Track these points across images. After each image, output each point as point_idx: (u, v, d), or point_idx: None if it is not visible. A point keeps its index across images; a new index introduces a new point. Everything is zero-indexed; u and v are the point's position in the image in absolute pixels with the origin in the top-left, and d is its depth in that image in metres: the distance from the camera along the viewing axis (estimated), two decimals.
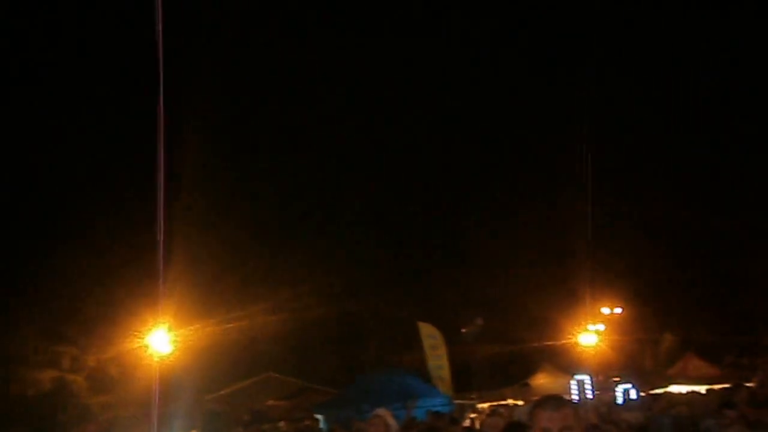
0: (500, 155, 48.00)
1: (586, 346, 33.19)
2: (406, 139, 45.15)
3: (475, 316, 35.44)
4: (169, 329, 21.01)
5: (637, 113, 43.41)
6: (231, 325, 29.30)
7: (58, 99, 34.49)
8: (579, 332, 33.33)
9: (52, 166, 31.82)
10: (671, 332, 39.69)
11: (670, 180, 41.76)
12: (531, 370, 33.41)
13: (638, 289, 37.30)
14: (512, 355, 38.04)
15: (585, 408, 13.34)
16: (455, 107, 51.67)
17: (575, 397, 22.18)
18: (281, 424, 27.31)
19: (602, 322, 35.17)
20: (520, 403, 24.41)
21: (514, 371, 34.57)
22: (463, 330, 35.05)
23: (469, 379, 30.46)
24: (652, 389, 27.31)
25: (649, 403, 17.86)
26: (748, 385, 15.71)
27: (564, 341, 34.79)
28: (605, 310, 35.99)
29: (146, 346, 21.40)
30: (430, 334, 27.14)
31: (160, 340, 20.87)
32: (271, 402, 33.11)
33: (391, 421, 7.16)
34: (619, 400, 21.30)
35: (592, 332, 33.47)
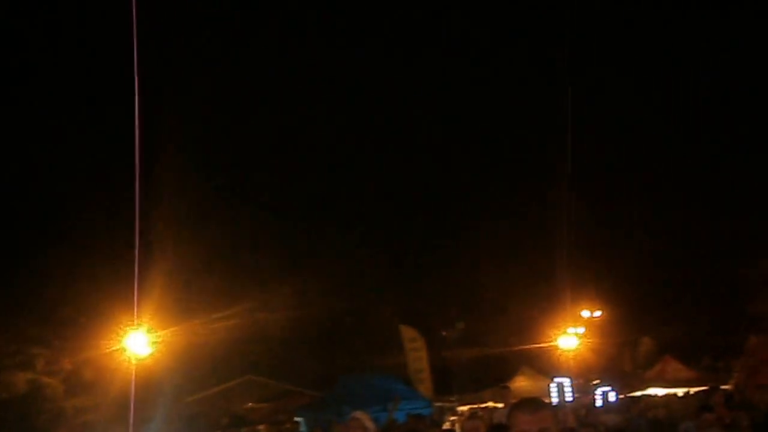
0: (481, 159, 48.13)
1: (565, 349, 33.35)
2: (386, 142, 45.24)
3: (457, 320, 35.53)
4: (147, 331, 20.84)
5: (617, 120, 43.69)
6: (210, 327, 29.09)
7: (32, 101, 34.13)
8: (559, 335, 33.49)
9: (24, 168, 31.52)
10: (649, 335, 39.99)
11: (649, 184, 42.07)
12: (511, 373, 33.48)
13: (618, 293, 37.52)
14: (493, 358, 38.12)
15: (564, 411, 13.34)
16: (436, 110, 51.81)
17: (554, 400, 22.22)
18: (261, 427, 27.22)
19: (582, 325, 35.36)
20: (500, 405, 24.41)
21: (494, 374, 34.59)
22: (444, 333, 35.12)
23: (449, 382, 30.48)
24: (631, 392, 27.48)
25: (627, 405, 17.93)
26: (724, 387, 15.84)
27: (544, 344, 34.93)
28: (585, 314, 36.18)
29: (123, 349, 21.18)
30: (411, 338, 27.19)
31: (138, 342, 20.68)
32: (250, 405, 32.97)
33: (369, 424, 7.11)
34: (598, 403, 21.37)
35: (572, 335, 33.64)
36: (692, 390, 24.50)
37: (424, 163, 45.96)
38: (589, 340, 35.52)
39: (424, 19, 49.61)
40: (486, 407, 24.38)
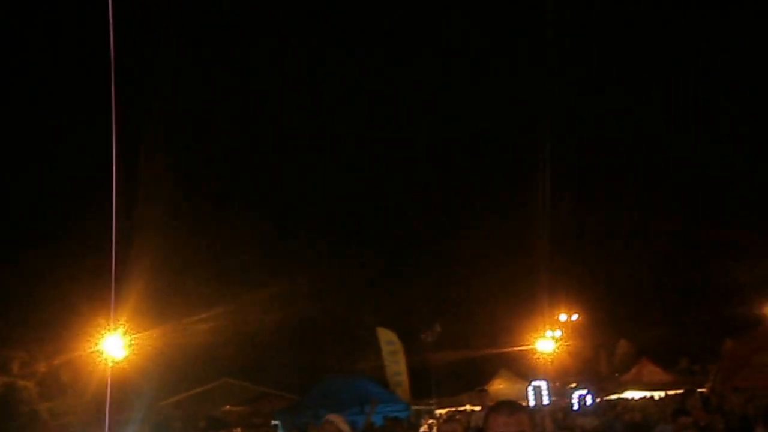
0: (460, 164, 48.29)
1: (543, 353, 33.49)
2: (363, 147, 45.25)
3: (434, 323, 35.52)
4: (124, 334, 20.63)
5: (596, 127, 44.00)
6: (187, 329, 28.93)
7: (7, 105, 33.88)
8: (537, 338, 33.63)
9: (1, 170, 31.28)
10: (626, 338, 40.27)
11: (626, 189, 42.37)
12: (489, 376, 33.58)
13: (595, 296, 37.77)
14: (470, 361, 38.20)
15: (541, 414, 13.40)
16: (416, 115, 51.95)
17: (532, 403, 22.29)
18: (237, 430, 27.08)
19: (560, 328, 35.53)
20: (478, 408, 24.47)
21: (472, 377, 34.66)
22: (422, 336, 35.11)
23: (427, 385, 30.48)
24: (608, 395, 27.65)
25: (604, 409, 18.06)
26: (701, 390, 15.97)
27: (522, 347, 35.06)
28: (563, 317, 36.35)
29: (99, 351, 20.97)
30: (389, 340, 27.19)
31: (114, 345, 20.45)
32: (227, 408, 32.77)
33: (344, 427, 7.11)
34: (575, 406, 21.47)
35: (549, 338, 33.79)
36: (669, 393, 24.71)
37: (405, 170, 46.08)
38: (566, 344, 35.71)
39: (409, 22, 49.78)
40: (464, 410, 24.43)
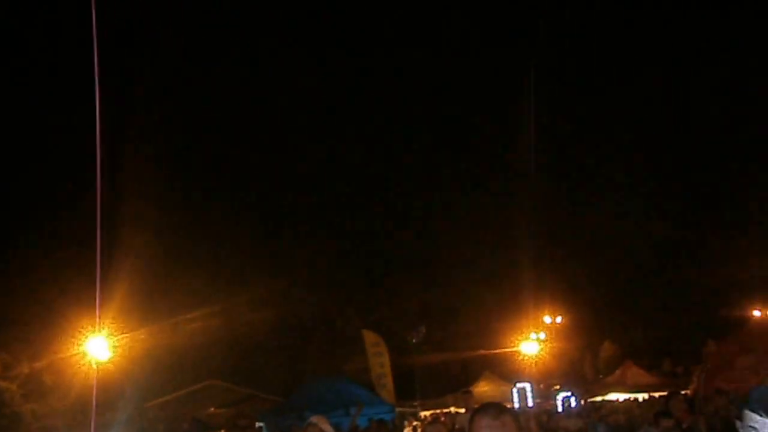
0: (444, 165, 48.32)
1: (527, 355, 33.60)
2: (346, 148, 45.18)
3: (419, 324, 35.57)
4: (108, 335, 20.53)
5: (579, 124, 44.15)
6: (172, 331, 28.81)
7: None
8: (521, 341, 33.73)
9: None
10: (611, 340, 40.45)
11: (611, 190, 42.57)
12: (473, 378, 33.62)
13: (579, 299, 37.91)
14: (455, 363, 38.28)
15: (525, 416, 13.45)
16: (398, 114, 51.99)
17: (516, 405, 22.37)
18: None
19: (544, 330, 35.65)
20: (462, 410, 24.51)
21: (456, 379, 34.74)
22: (407, 338, 35.14)
23: (412, 387, 30.51)
24: (592, 397, 27.75)
25: (588, 411, 18.12)
26: (684, 392, 16.08)
27: (507, 349, 35.17)
28: (547, 319, 36.48)
29: (84, 353, 20.85)
30: (374, 342, 27.17)
31: (99, 347, 20.35)
32: (212, 410, 32.63)
33: (327, 428, 7.12)
34: (560, 408, 21.54)
35: (534, 341, 33.90)
36: (652, 395, 24.83)
37: (391, 170, 46.08)
38: (550, 346, 35.84)
39: (407, 22, 49.81)
40: (448, 412, 24.50)
